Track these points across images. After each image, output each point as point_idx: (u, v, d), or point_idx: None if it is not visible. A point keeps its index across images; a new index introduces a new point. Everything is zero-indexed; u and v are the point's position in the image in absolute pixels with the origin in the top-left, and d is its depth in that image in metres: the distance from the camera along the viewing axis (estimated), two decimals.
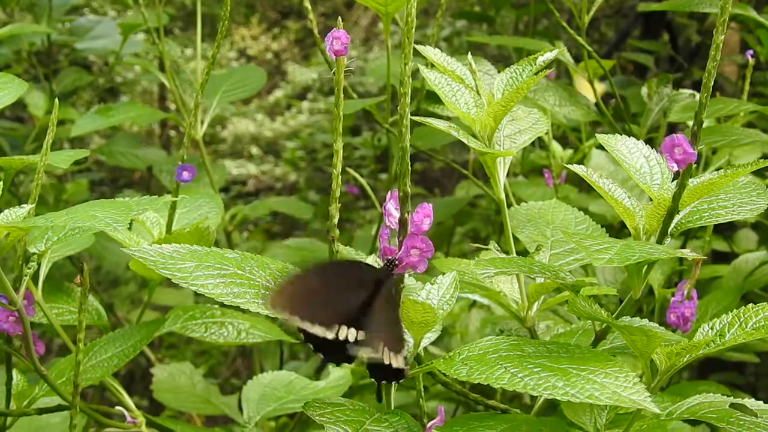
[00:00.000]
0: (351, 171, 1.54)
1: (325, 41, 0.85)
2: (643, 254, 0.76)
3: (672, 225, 0.89)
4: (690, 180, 0.84)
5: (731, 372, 2.58)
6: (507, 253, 1.05)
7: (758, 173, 2.18)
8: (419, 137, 1.71)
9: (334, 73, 0.85)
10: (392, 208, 0.75)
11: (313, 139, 5.11)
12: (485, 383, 0.74)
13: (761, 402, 0.94)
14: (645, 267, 0.88)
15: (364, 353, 0.78)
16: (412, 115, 0.93)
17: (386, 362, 0.77)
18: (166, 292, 2.23)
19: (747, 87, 1.63)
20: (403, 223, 0.74)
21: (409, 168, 0.73)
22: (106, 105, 1.61)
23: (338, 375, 1.41)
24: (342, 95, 0.85)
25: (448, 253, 2.34)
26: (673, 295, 1.25)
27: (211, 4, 5.74)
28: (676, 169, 0.80)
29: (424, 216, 0.74)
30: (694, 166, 0.83)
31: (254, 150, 6.32)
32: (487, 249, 1.11)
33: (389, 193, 0.76)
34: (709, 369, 2.58)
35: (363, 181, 1.56)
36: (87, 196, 2.37)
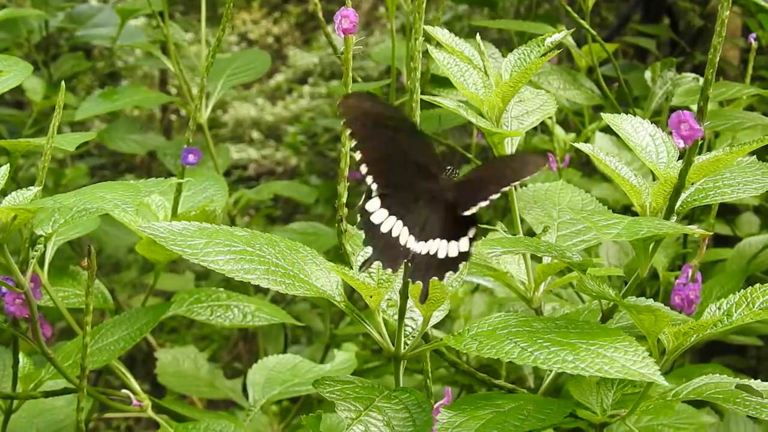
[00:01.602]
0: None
1: (334, 20, 0.85)
2: (651, 229, 0.76)
3: (678, 203, 0.89)
4: (696, 157, 0.84)
5: (733, 356, 2.59)
6: (514, 234, 1.06)
7: (760, 156, 2.19)
8: (424, 121, 1.71)
9: (341, 53, 0.85)
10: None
11: (314, 123, 5.11)
12: (495, 357, 0.74)
13: (767, 383, 0.95)
14: (652, 245, 0.89)
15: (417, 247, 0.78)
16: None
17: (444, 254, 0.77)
18: (167, 277, 2.23)
19: (750, 71, 1.63)
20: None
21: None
22: (110, 88, 1.60)
23: (343, 358, 1.41)
24: (351, 74, 0.85)
25: None
26: (677, 278, 1.25)
27: None
28: (682, 145, 0.80)
29: None
30: (699, 146, 0.83)
31: (255, 134, 6.32)
32: (494, 230, 1.11)
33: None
34: (711, 353, 2.59)
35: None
36: (87, 181, 2.37)
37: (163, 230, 0.80)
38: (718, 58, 0.76)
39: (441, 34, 1.07)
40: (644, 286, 1.63)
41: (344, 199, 0.88)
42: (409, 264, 0.77)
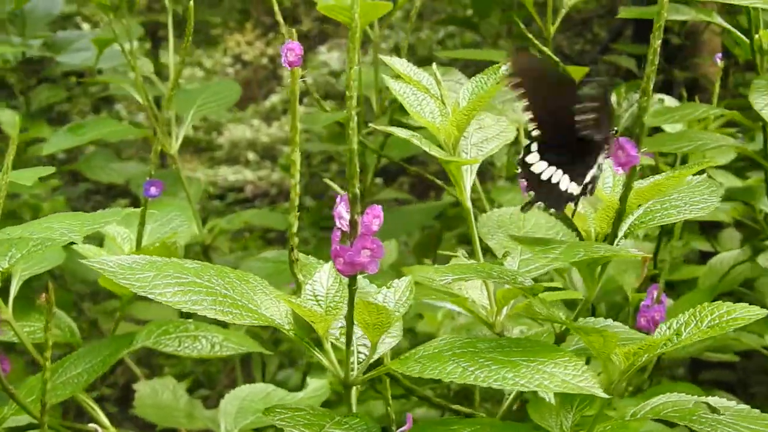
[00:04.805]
0: (328, 182, 1.55)
1: (280, 52, 0.86)
2: (588, 253, 0.77)
3: (626, 226, 0.90)
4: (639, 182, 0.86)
5: (722, 369, 2.59)
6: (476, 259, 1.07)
7: (739, 174, 2.19)
8: (394, 147, 1.73)
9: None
10: (343, 210, 0.77)
11: (309, 144, 5.12)
12: (437, 378, 0.75)
13: (725, 399, 0.96)
14: (599, 269, 0.90)
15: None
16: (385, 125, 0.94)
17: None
18: (148, 307, 2.23)
19: (717, 90, 1.64)
20: (353, 224, 0.75)
21: (357, 171, 0.75)
22: (77, 123, 1.61)
23: (316, 386, 1.42)
24: (297, 107, 0.86)
25: (436, 258, 2.35)
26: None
27: (203, 11, 5.76)
28: (621, 172, 0.81)
29: (373, 217, 0.76)
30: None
31: (251, 156, 6.33)
32: (455, 256, 1.12)
33: (339, 197, 0.78)
34: (700, 367, 2.59)
35: (336, 186, 1.57)
36: None
37: (112, 264, 0.81)
38: (651, 86, 0.78)
39: (399, 64, 1.08)
40: (619, 307, 1.64)
41: (295, 229, 0.89)
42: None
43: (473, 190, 1.05)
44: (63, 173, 3.20)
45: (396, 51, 5.95)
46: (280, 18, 1.36)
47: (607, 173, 0.94)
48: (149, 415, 1.57)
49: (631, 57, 2.80)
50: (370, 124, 1.09)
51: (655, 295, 1.25)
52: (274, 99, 6.56)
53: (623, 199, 0.85)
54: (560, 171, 0.89)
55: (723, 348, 1.69)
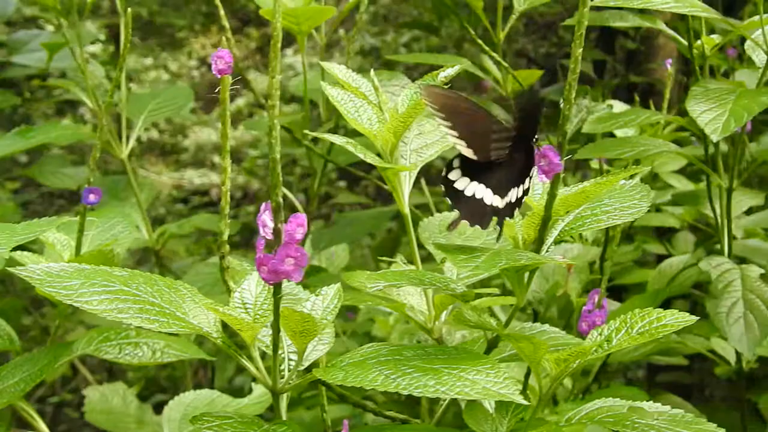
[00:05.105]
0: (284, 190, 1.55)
1: (210, 59, 0.86)
2: (510, 261, 0.78)
3: (556, 233, 0.91)
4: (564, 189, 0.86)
5: (680, 372, 2.61)
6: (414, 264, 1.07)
7: (693, 177, 2.21)
8: (341, 152, 1.73)
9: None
10: (267, 218, 0.77)
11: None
12: (359, 386, 0.76)
13: (659, 404, 0.96)
14: (526, 275, 0.90)
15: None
16: (330, 131, 0.94)
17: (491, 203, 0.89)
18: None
19: (667, 95, 1.66)
20: (277, 233, 0.75)
21: (280, 180, 0.75)
22: (26, 126, 1.61)
23: (260, 392, 1.42)
24: (228, 113, 0.87)
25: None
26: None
27: (168, 14, 5.75)
28: (545, 179, 0.82)
29: (297, 225, 0.76)
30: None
31: (216, 159, 6.32)
32: (394, 262, 1.12)
33: (263, 204, 0.78)
34: (659, 369, 2.61)
35: (290, 194, 1.58)
36: (18, 218, 2.36)
37: (39, 272, 0.81)
38: (573, 95, 0.78)
39: (337, 70, 1.08)
40: (568, 311, 1.65)
41: (225, 236, 0.89)
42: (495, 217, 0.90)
43: (423, 194, 1.05)
44: (23, 178, 3.19)
45: (362, 54, 5.96)
46: (226, 23, 1.36)
47: (537, 181, 0.94)
48: (99, 421, 1.57)
49: (592, 62, 2.81)
50: (305, 132, 1.09)
51: (596, 300, 1.27)
52: (240, 102, 6.54)
53: (548, 206, 0.86)
54: (482, 186, 0.90)
55: (669, 351, 1.70)
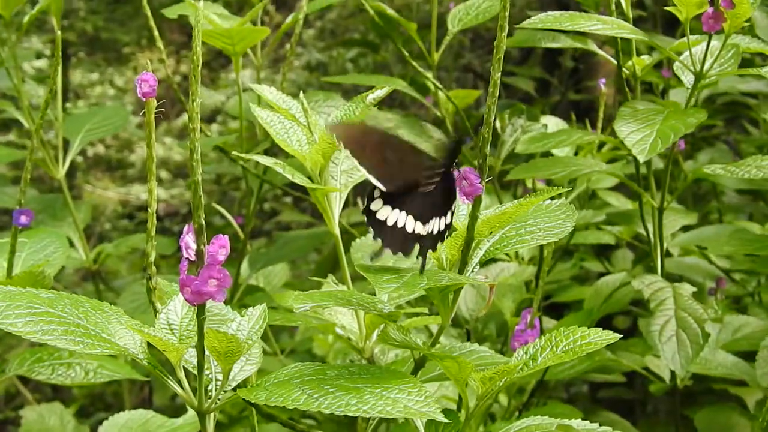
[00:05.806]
0: (216, 206, 1.56)
1: (135, 83, 0.87)
2: (431, 282, 0.79)
3: (481, 253, 0.92)
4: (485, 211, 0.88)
5: (620, 387, 2.63)
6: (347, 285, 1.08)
7: (634, 194, 2.24)
8: (277, 172, 1.73)
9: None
10: (190, 240, 0.77)
11: (221, 164, 5.09)
12: (282, 405, 0.77)
13: (587, 422, 0.98)
14: (451, 296, 0.91)
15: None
16: (265, 152, 0.95)
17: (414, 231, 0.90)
18: None
19: (601, 114, 1.68)
20: (199, 254, 0.76)
21: (202, 201, 0.75)
22: None
23: (193, 413, 1.41)
24: (153, 135, 0.87)
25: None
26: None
27: (114, 29, 5.72)
28: (466, 201, 0.83)
29: (219, 247, 0.76)
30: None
31: (163, 174, 6.30)
32: (326, 282, 1.13)
33: (186, 226, 0.79)
34: (600, 386, 2.63)
35: (227, 213, 1.58)
36: None
37: None
38: (493, 118, 0.80)
39: (267, 92, 1.09)
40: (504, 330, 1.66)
41: (152, 258, 0.90)
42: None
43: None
44: None
45: (308, 69, 5.97)
46: (160, 44, 1.36)
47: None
48: None
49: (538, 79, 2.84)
50: (233, 153, 1.10)
51: (528, 319, 1.28)
52: (187, 117, 6.50)
53: (470, 227, 0.87)
54: (404, 213, 0.91)
55: (606, 369, 1.71)
